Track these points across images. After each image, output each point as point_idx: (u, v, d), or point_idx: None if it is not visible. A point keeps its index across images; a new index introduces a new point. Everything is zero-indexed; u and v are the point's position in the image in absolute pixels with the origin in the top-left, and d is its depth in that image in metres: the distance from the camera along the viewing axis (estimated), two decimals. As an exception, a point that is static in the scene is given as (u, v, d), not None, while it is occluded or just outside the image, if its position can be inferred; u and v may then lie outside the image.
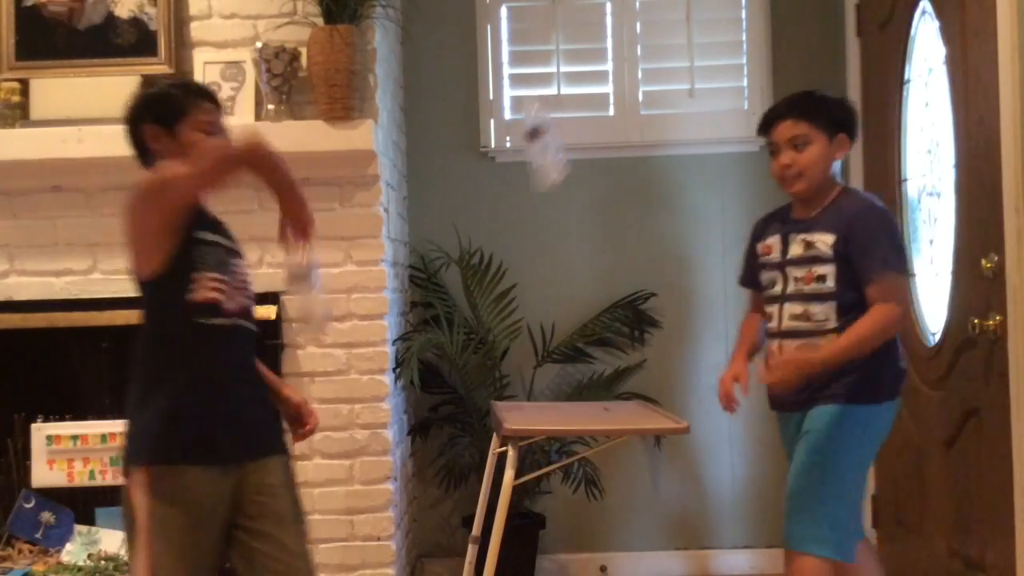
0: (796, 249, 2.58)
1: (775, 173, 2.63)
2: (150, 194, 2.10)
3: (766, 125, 2.63)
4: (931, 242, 3.28)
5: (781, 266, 2.62)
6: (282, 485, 2.19)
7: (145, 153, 2.29)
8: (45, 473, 3.23)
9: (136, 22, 3.29)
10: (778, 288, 2.63)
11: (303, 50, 3.21)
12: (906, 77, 3.40)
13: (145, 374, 2.19)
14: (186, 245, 2.15)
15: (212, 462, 2.09)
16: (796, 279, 2.57)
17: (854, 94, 3.84)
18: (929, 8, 3.17)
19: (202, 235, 2.19)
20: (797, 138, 2.55)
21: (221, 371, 2.17)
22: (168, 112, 2.23)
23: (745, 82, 3.99)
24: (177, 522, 2.05)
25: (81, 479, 3.23)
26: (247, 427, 2.18)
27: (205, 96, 2.30)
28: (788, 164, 2.56)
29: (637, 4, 4.01)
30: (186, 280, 2.13)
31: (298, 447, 3.29)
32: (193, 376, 2.14)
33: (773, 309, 2.65)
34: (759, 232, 2.75)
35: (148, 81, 2.45)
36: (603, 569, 3.97)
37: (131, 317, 3.26)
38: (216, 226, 2.28)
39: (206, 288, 2.14)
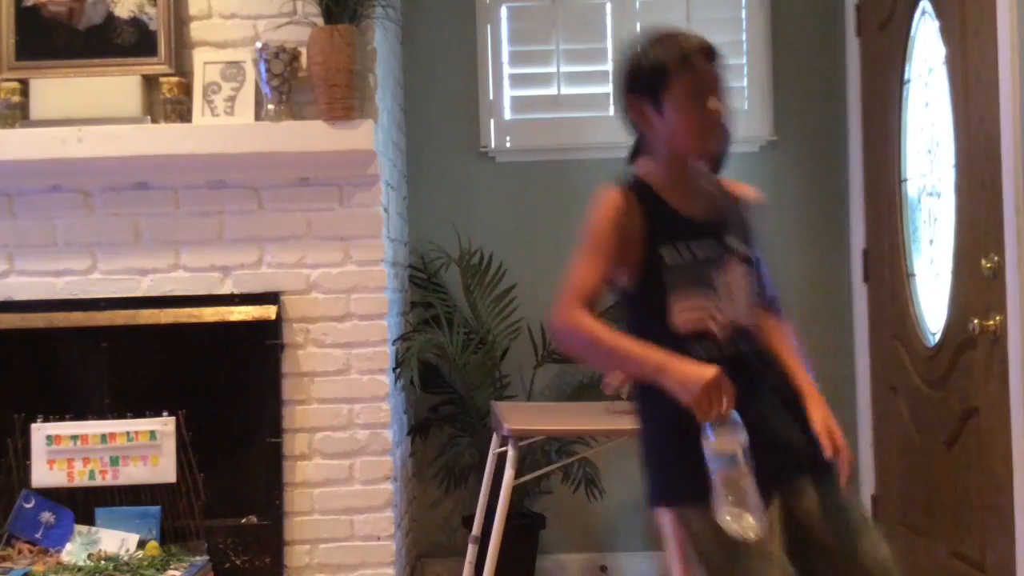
0: None
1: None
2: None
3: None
4: (931, 242, 3.28)
5: None
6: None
7: (634, 126, 1.92)
8: (45, 473, 3.23)
9: (136, 22, 3.29)
10: None
11: (303, 50, 3.21)
12: (906, 77, 3.39)
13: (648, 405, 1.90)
14: (651, 264, 1.82)
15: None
16: None
17: (854, 94, 3.85)
18: (929, 8, 3.17)
19: (668, 253, 1.82)
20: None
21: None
22: (650, 81, 1.83)
23: (745, 82, 3.99)
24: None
25: (81, 479, 3.23)
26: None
27: (699, 53, 1.84)
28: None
29: (637, 4, 4.01)
30: (661, 304, 1.82)
31: (298, 446, 3.31)
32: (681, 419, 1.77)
33: None
34: None
35: (651, 36, 1.87)
36: (603, 569, 3.97)
37: (131, 317, 3.30)
38: (700, 229, 1.86)
39: (684, 314, 1.82)
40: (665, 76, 1.81)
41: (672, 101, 1.82)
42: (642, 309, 1.86)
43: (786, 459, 1.83)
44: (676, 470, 1.85)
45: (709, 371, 1.74)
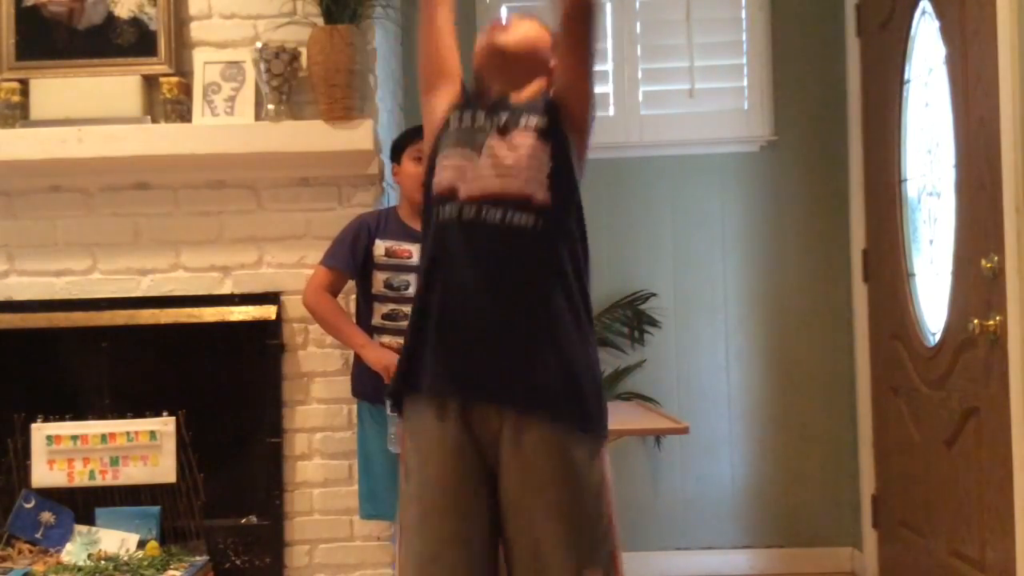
0: None
1: (420, 178, 2.68)
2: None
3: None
4: (931, 242, 3.28)
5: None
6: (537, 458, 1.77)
7: None
8: (45, 473, 3.23)
9: (136, 22, 3.30)
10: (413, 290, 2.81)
11: (303, 50, 3.21)
12: (906, 77, 3.40)
13: None
14: (440, 128, 1.96)
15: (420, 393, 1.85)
16: None
17: (854, 94, 3.85)
18: (929, 8, 3.17)
19: (455, 117, 1.97)
20: None
21: (443, 277, 1.82)
22: None
23: (745, 82, 3.99)
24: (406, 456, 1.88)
25: (81, 479, 3.23)
26: (469, 361, 1.80)
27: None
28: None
29: (637, 4, 4.01)
30: (432, 167, 1.91)
31: (298, 446, 3.31)
32: (421, 281, 1.88)
33: (407, 308, 2.74)
34: (377, 231, 2.96)
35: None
36: (603, 569, 3.97)
37: (131, 317, 3.30)
38: (492, 105, 1.98)
39: (441, 171, 1.87)
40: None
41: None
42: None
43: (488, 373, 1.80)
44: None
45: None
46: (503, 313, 1.77)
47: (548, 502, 1.74)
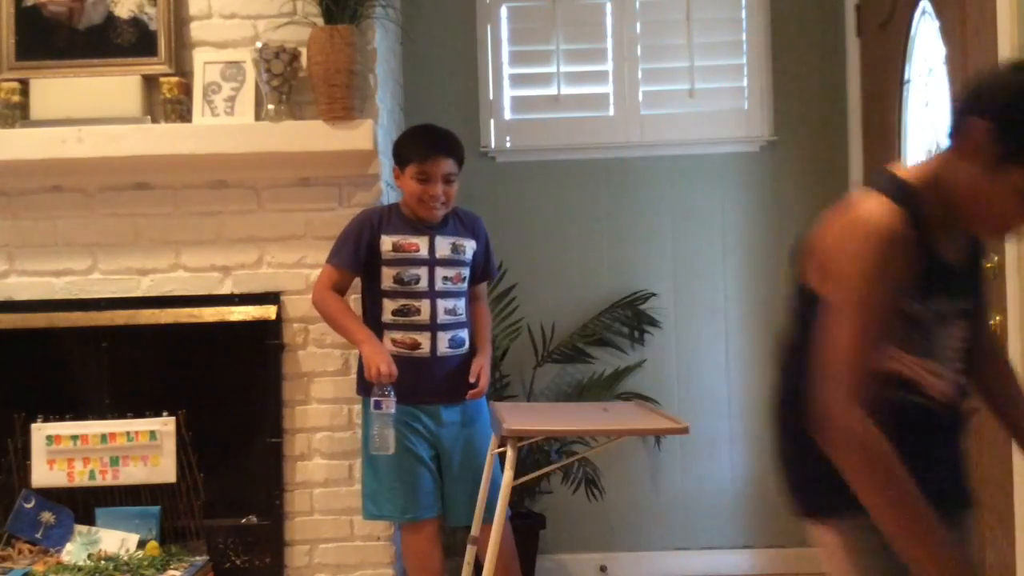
0: (444, 250, 2.99)
1: (419, 195, 2.92)
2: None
3: (428, 154, 2.94)
4: (931, 242, 3.27)
5: (429, 263, 2.96)
6: None
7: (959, 143, 1.65)
8: (45, 473, 3.23)
9: (136, 22, 3.30)
10: (424, 284, 2.95)
11: (303, 50, 3.21)
12: (906, 77, 3.39)
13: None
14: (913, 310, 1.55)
15: None
16: (445, 278, 2.98)
17: (854, 94, 3.85)
18: (929, 8, 3.17)
19: (918, 307, 1.55)
20: (451, 175, 2.95)
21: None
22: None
23: (745, 82, 3.99)
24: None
25: (81, 479, 3.23)
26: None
27: None
28: (439, 194, 2.94)
29: (637, 4, 4.01)
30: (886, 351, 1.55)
31: (298, 446, 3.31)
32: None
33: (419, 303, 2.94)
34: (382, 226, 2.98)
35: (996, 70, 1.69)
36: (603, 569, 3.97)
37: (131, 317, 3.30)
38: (950, 282, 1.58)
39: (901, 366, 1.56)
40: None
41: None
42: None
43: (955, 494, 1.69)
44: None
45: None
46: None
47: None
